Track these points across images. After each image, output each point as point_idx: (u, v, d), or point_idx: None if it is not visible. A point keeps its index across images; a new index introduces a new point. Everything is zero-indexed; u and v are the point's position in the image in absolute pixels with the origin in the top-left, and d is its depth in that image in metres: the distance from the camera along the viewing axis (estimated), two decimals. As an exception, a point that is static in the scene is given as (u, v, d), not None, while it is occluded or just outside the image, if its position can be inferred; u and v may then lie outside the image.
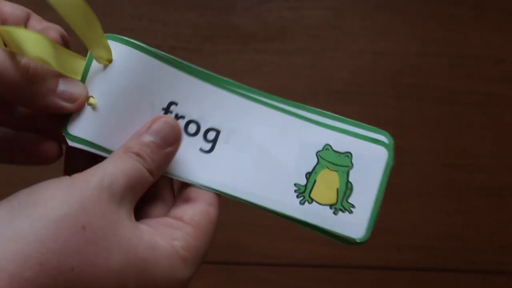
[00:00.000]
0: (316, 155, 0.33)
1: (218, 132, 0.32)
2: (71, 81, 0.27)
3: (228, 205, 0.49)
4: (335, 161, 0.33)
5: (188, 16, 0.48)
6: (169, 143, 0.27)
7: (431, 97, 0.49)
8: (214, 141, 0.32)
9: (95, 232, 0.23)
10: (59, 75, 0.27)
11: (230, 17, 0.48)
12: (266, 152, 0.33)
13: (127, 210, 0.25)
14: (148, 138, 0.27)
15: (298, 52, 0.49)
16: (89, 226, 0.23)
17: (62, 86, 0.27)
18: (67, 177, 0.24)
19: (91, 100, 0.29)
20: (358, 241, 0.32)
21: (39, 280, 0.22)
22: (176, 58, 0.32)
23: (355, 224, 0.32)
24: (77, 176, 0.24)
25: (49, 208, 0.23)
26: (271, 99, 0.33)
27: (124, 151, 0.26)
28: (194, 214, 0.27)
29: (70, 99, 0.27)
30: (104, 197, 0.24)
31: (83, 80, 0.29)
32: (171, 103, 0.31)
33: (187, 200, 0.28)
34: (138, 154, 0.26)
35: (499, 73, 0.50)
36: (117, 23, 0.47)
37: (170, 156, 0.28)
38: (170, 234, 0.26)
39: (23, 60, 0.26)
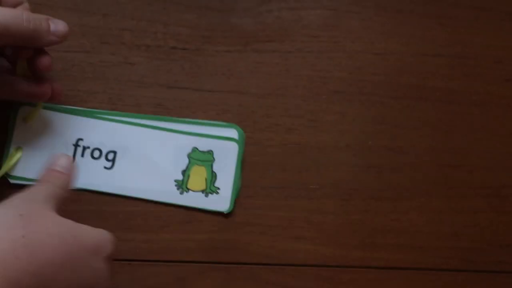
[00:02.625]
0: (187, 156, 0.46)
1: (115, 153, 0.45)
2: (56, 21, 0.40)
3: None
4: (201, 158, 0.46)
5: (188, 16, 0.48)
6: (67, 169, 0.40)
7: (431, 97, 0.49)
8: (113, 160, 0.45)
9: (30, 215, 0.34)
10: (48, 18, 0.39)
11: (230, 17, 0.48)
12: (151, 160, 0.45)
13: (51, 208, 0.36)
14: (54, 169, 0.40)
15: (298, 52, 0.49)
16: (25, 213, 0.34)
17: (52, 26, 0.40)
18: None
19: (18, 155, 0.44)
20: (225, 212, 0.46)
21: (1, 245, 0.32)
22: (71, 107, 0.45)
23: (221, 201, 0.46)
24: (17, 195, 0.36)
25: (3, 219, 0.34)
26: (150, 119, 0.46)
27: (41, 181, 0.39)
28: None
29: (61, 36, 0.40)
30: (34, 201, 0.36)
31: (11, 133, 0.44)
32: (78, 139, 0.45)
33: None
34: (48, 181, 0.39)
35: (499, 73, 0.50)
36: (117, 23, 0.47)
37: (71, 177, 0.40)
38: None
39: (25, 14, 0.38)
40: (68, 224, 0.36)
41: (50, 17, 0.40)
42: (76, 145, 0.45)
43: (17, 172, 0.44)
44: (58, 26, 0.40)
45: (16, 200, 0.36)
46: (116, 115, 0.46)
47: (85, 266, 0.36)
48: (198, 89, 0.47)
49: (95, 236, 0.37)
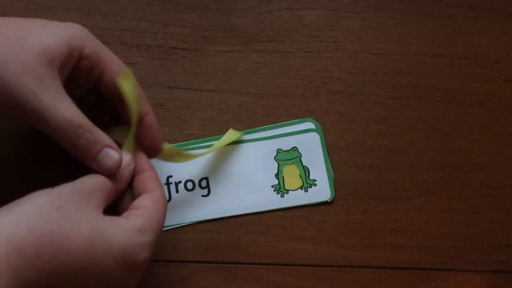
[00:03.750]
0: (275, 159, 0.47)
1: (207, 179, 0.46)
2: (110, 154, 0.37)
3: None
4: (289, 157, 0.47)
5: (188, 17, 0.48)
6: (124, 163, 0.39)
7: (430, 97, 0.49)
8: (208, 186, 0.46)
9: (67, 210, 0.33)
10: (106, 145, 0.37)
11: (230, 17, 0.48)
12: (243, 174, 0.46)
13: (93, 205, 0.35)
14: None
15: (298, 52, 0.49)
16: (63, 206, 0.33)
17: (101, 154, 0.37)
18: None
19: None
20: (329, 201, 0.47)
21: (28, 238, 0.31)
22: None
23: (322, 192, 0.47)
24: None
25: (35, 198, 0.33)
26: (217, 139, 0.46)
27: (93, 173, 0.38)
28: (143, 204, 0.37)
29: (103, 169, 0.37)
30: (78, 194, 0.34)
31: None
32: (168, 177, 0.46)
33: (142, 189, 0.39)
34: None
35: (498, 73, 0.50)
36: (117, 23, 0.47)
37: (128, 171, 0.39)
38: (126, 216, 0.37)
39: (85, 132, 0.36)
40: (102, 225, 0.34)
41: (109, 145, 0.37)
42: (168, 183, 0.46)
43: None
44: (105, 158, 0.37)
45: (61, 190, 0.34)
46: (189, 144, 0.46)
47: (106, 273, 0.34)
48: (198, 89, 0.48)
49: (126, 242, 0.35)
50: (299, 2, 0.49)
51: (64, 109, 0.35)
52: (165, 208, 0.38)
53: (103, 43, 0.45)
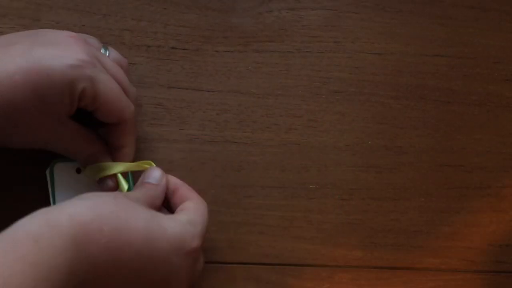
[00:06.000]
0: None
1: None
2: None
3: (229, 206, 0.49)
4: None
5: (188, 17, 0.48)
6: (160, 180, 0.42)
7: (430, 97, 0.49)
8: None
9: (122, 201, 0.36)
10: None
11: (230, 17, 0.48)
12: None
13: (143, 205, 0.37)
14: (147, 181, 0.42)
15: (298, 52, 0.49)
16: (117, 198, 0.36)
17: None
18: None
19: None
20: None
21: (89, 215, 0.33)
22: None
23: None
24: None
25: (91, 195, 0.35)
26: None
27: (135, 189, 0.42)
28: (187, 206, 0.41)
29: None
30: (127, 197, 0.37)
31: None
32: None
33: (182, 200, 0.42)
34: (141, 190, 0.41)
35: (498, 73, 0.50)
36: (117, 23, 0.47)
37: (163, 188, 0.41)
38: (176, 213, 0.40)
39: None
40: (156, 215, 0.37)
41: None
42: None
43: None
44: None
45: (110, 194, 0.37)
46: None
47: (163, 257, 0.35)
48: (198, 89, 0.48)
49: (180, 229, 0.37)
50: (299, 2, 0.49)
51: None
52: (206, 208, 0.41)
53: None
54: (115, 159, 0.41)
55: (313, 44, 0.49)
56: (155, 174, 0.41)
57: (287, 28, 0.49)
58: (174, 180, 0.42)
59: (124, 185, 0.41)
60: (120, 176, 0.41)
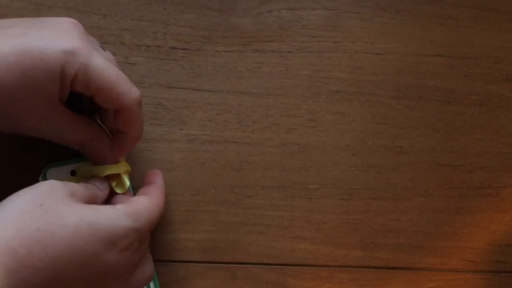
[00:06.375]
0: None
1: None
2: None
3: (229, 206, 0.49)
4: None
5: (188, 17, 0.48)
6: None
7: (430, 97, 0.49)
8: None
9: (49, 206, 0.34)
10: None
11: (230, 17, 0.48)
12: None
13: (75, 200, 0.36)
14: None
15: (298, 52, 0.49)
16: (44, 203, 0.34)
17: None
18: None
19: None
20: None
21: (17, 239, 0.32)
22: None
23: None
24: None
25: (16, 200, 0.34)
26: None
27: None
28: (136, 199, 0.40)
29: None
30: (56, 188, 0.35)
31: None
32: None
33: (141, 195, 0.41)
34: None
35: (498, 73, 0.50)
36: (117, 23, 0.47)
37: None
38: (112, 205, 0.39)
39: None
40: (86, 212, 0.35)
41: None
42: None
43: None
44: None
45: (40, 187, 0.35)
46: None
47: (96, 260, 0.35)
48: (198, 89, 0.48)
49: (112, 223, 0.36)
50: (299, 2, 0.49)
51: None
52: (160, 208, 0.40)
53: (103, 43, 0.45)
54: (118, 145, 0.41)
55: (313, 44, 0.49)
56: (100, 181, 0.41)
57: (287, 28, 0.49)
58: (154, 176, 0.43)
59: (127, 182, 0.41)
60: (124, 176, 0.42)
